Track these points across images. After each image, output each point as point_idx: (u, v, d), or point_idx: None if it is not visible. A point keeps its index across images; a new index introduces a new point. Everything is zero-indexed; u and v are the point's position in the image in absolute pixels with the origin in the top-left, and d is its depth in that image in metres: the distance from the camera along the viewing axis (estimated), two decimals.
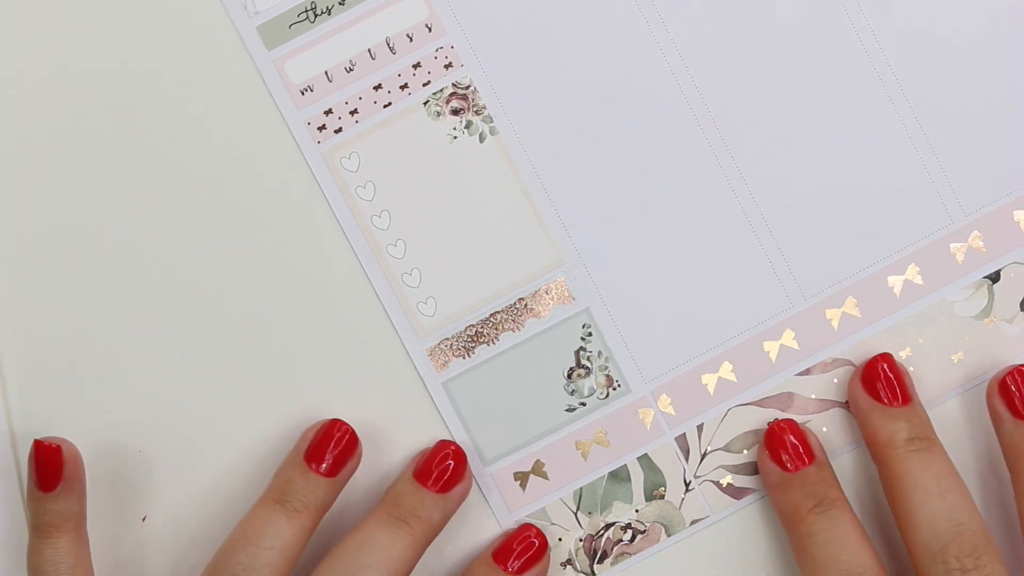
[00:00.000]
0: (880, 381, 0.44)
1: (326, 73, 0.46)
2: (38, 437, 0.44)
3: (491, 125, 0.46)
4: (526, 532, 0.46)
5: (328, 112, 0.46)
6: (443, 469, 0.45)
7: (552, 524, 0.47)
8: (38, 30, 0.46)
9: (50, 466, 0.43)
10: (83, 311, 0.46)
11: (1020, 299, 0.46)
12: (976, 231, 0.46)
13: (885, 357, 0.45)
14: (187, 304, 0.46)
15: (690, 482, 0.47)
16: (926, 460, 0.43)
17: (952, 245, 0.47)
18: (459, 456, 0.45)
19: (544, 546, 0.46)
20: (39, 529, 0.43)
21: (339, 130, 0.46)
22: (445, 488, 0.44)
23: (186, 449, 0.46)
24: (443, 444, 0.45)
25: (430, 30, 0.46)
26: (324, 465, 0.44)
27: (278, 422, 0.46)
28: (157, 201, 0.46)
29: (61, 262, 0.46)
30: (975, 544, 0.41)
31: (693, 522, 0.47)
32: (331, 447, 0.44)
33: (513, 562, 0.45)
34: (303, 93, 0.46)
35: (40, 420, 0.46)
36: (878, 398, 0.44)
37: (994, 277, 0.46)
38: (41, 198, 0.46)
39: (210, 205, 0.46)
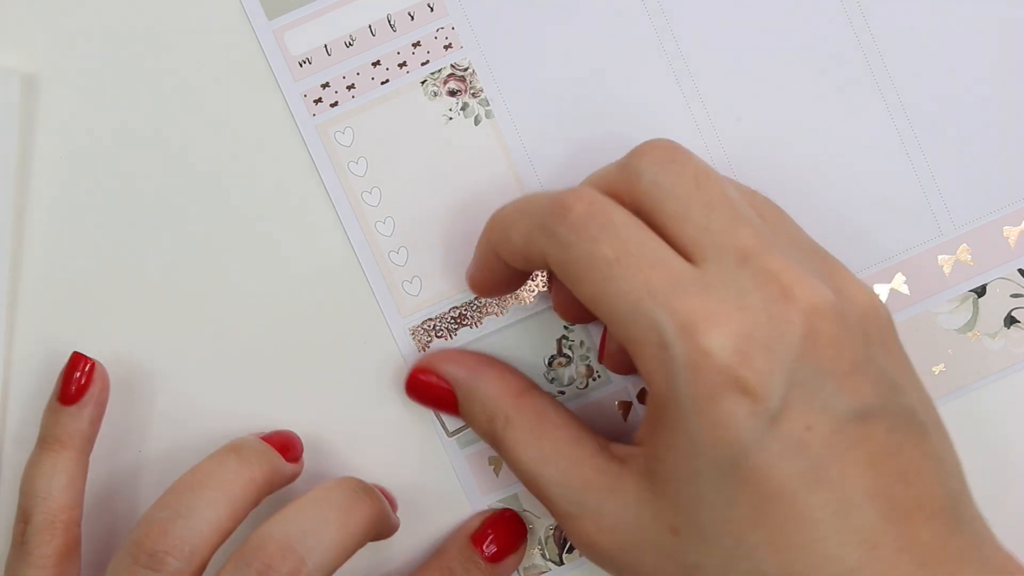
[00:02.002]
0: None
1: (326, 46, 0.46)
2: (77, 351, 0.45)
3: (487, 108, 0.46)
4: (505, 515, 0.46)
5: (325, 85, 0.46)
6: (497, 544, 0.45)
7: (524, 511, 0.47)
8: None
9: (79, 379, 0.44)
10: (82, 310, 0.46)
11: (1004, 315, 0.47)
12: (965, 244, 0.46)
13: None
14: (181, 289, 0.46)
15: None
16: None
17: (940, 257, 0.47)
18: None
19: (523, 532, 0.46)
20: (44, 441, 0.43)
21: (335, 104, 0.46)
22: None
23: (186, 448, 0.46)
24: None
25: (432, 9, 0.46)
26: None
27: (275, 415, 0.46)
28: (147, 169, 0.46)
29: (56, 258, 0.46)
30: None
31: None
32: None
33: (489, 545, 0.45)
34: (301, 65, 0.46)
35: (40, 417, 0.46)
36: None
37: (980, 291, 0.47)
38: (31, 183, 0.46)
39: (202, 174, 0.46)
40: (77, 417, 0.44)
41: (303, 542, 0.40)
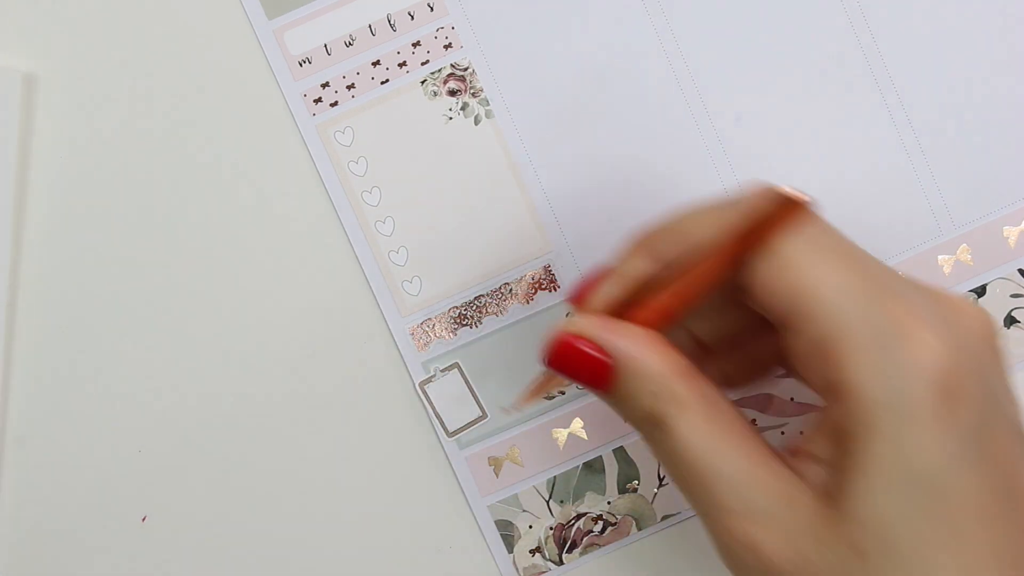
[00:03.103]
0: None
1: (325, 46, 0.46)
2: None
3: (487, 108, 0.46)
4: None
5: (325, 85, 0.46)
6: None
7: (523, 511, 0.47)
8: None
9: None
10: (83, 309, 0.46)
11: (1005, 315, 0.46)
12: (965, 244, 0.46)
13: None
14: (182, 288, 0.46)
15: (664, 477, 0.47)
16: None
17: (940, 257, 0.47)
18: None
19: None
20: None
21: (335, 104, 0.46)
22: None
23: (185, 448, 0.46)
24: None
25: (432, 9, 0.46)
26: None
27: (274, 413, 0.46)
28: (147, 169, 0.46)
29: (56, 257, 0.46)
30: None
31: (664, 517, 0.47)
32: None
33: None
34: (301, 64, 0.46)
35: (40, 419, 0.46)
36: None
37: (980, 291, 0.47)
38: (32, 189, 0.46)
39: (202, 173, 0.46)
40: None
41: None
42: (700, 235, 0.37)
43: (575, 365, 0.38)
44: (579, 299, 0.39)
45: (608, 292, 0.38)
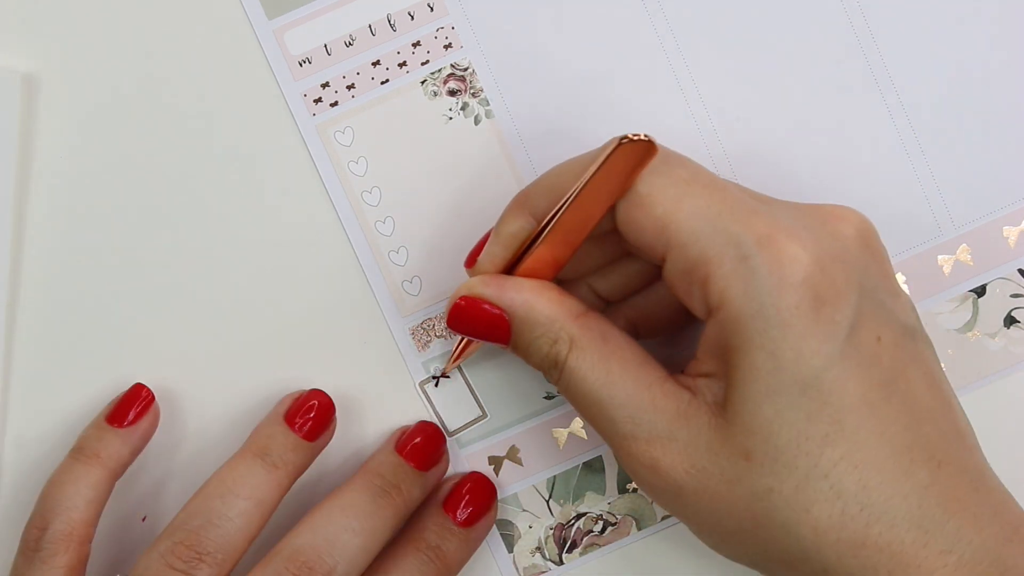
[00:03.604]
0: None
1: (325, 46, 0.46)
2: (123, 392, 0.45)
3: (487, 108, 0.46)
4: (474, 477, 0.45)
5: (325, 85, 0.46)
6: (419, 447, 0.44)
7: (523, 511, 0.47)
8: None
9: (135, 408, 0.44)
10: (83, 309, 0.46)
11: (1004, 315, 0.47)
12: (965, 244, 0.46)
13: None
14: (182, 287, 0.46)
15: None
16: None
17: (940, 257, 0.47)
18: (436, 437, 0.45)
19: (493, 492, 0.45)
20: (82, 453, 0.43)
21: (335, 104, 0.46)
22: (423, 466, 0.44)
23: (185, 449, 0.46)
24: (422, 424, 0.45)
25: (432, 9, 0.46)
26: (303, 427, 0.43)
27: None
28: (147, 169, 0.46)
29: (57, 257, 0.46)
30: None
31: (664, 517, 0.47)
32: (310, 412, 0.44)
33: (462, 510, 0.44)
34: (301, 64, 0.46)
35: (40, 419, 0.46)
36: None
37: (980, 291, 0.47)
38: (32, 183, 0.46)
39: (203, 173, 0.46)
40: (121, 441, 0.44)
41: (331, 552, 0.41)
42: (564, 186, 0.39)
43: (472, 323, 0.41)
44: (470, 263, 0.42)
45: (492, 252, 0.41)
